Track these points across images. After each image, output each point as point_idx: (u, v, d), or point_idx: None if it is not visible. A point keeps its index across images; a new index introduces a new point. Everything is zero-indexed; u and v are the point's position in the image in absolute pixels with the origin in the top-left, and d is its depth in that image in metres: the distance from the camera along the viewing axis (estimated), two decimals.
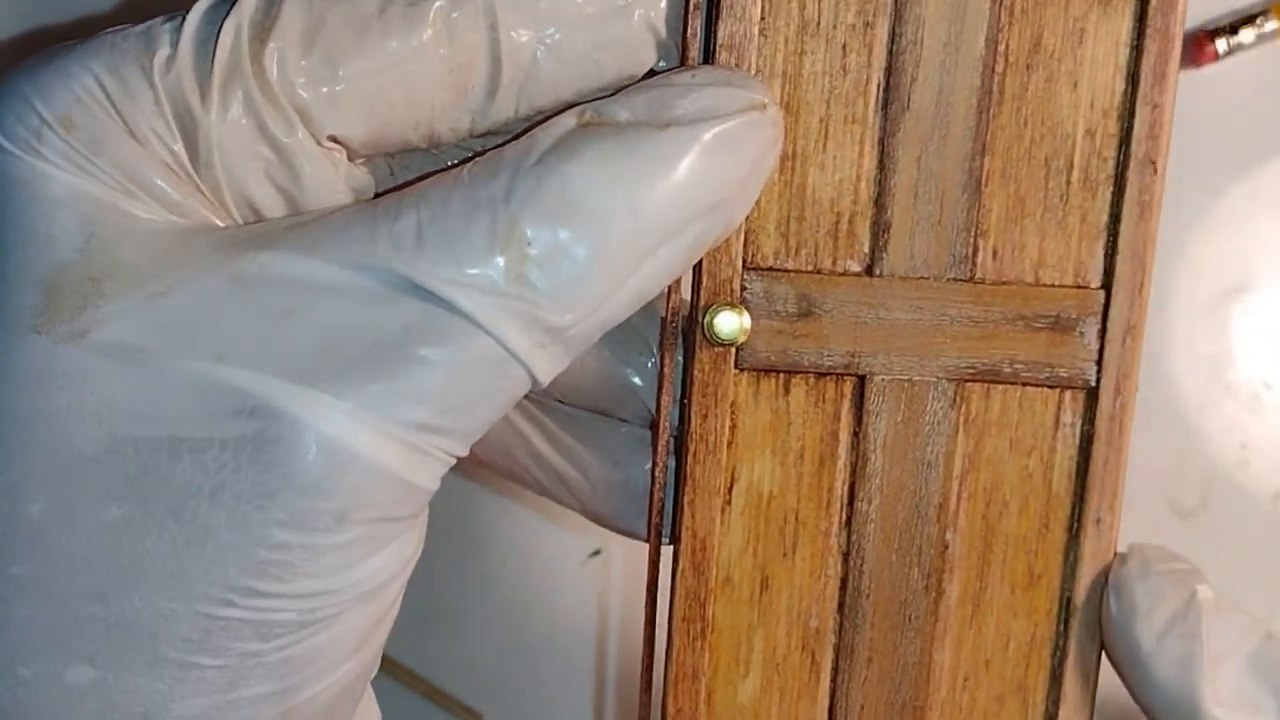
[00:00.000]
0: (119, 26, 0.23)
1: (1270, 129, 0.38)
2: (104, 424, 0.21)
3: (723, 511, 0.25)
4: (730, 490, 0.25)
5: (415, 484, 0.22)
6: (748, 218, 0.24)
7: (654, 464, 0.26)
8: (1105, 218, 0.24)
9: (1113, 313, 0.25)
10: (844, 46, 0.24)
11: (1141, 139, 0.24)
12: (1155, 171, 0.24)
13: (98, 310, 0.21)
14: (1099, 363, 0.25)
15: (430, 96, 0.22)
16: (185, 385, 0.21)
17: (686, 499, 0.25)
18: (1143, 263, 0.24)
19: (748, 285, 0.24)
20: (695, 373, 0.25)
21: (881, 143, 0.24)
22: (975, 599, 0.26)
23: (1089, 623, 0.26)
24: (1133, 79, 0.24)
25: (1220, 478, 0.39)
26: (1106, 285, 0.25)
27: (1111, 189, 0.24)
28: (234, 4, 0.22)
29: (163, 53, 0.22)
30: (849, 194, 0.24)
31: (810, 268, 0.25)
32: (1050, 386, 0.25)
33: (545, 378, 0.22)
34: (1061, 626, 0.26)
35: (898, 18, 0.24)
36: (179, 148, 0.22)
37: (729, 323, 0.24)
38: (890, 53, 0.24)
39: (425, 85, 0.22)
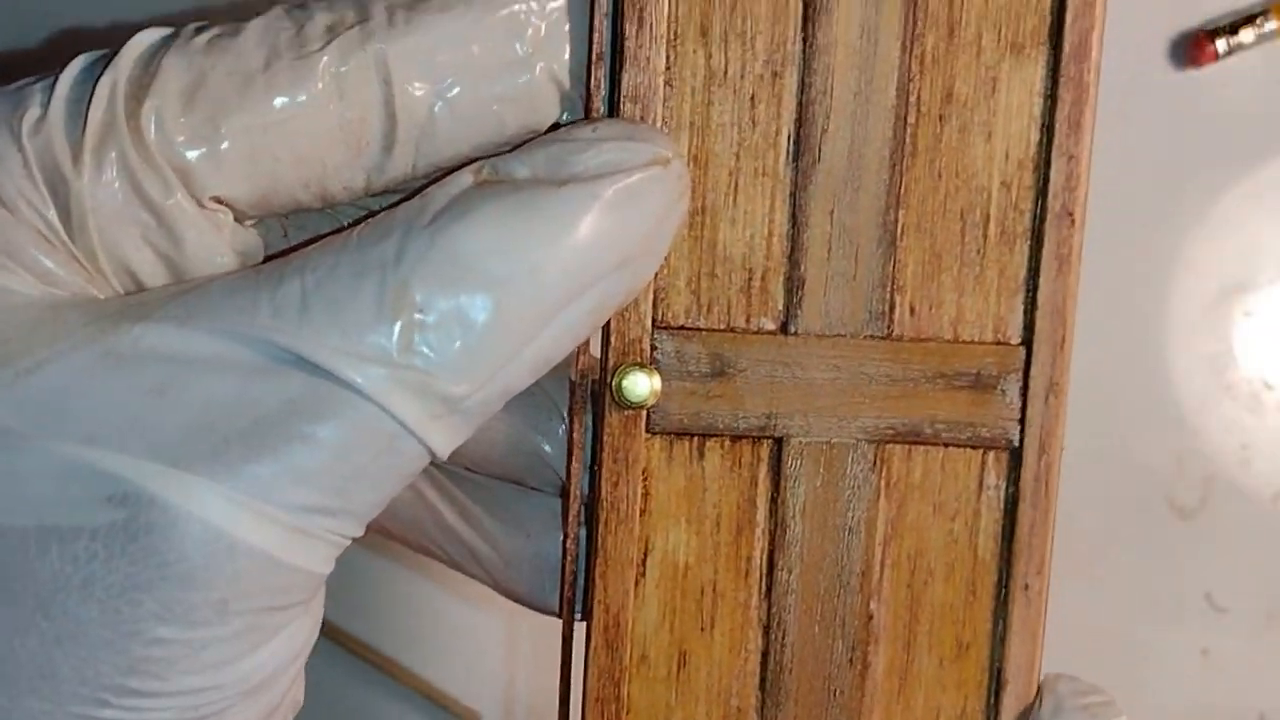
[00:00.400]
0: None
1: (1270, 129, 0.38)
2: None
3: (637, 584, 0.24)
4: (644, 561, 0.24)
5: (303, 569, 0.20)
6: (657, 275, 0.23)
7: (565, 535, 0.24)
8: (1024, 272, 0.24)
9: (1034, 370, 0.24)
10: (752, 97, 0.23)
11: (1058, 191, 0.23)
12: (1073, 223, 0.23)
13: None
14: (1022, 422, 0.24)
15: (321, 154, 0.21)
16: (53, 470, 0.20)
17: (598, 571, 0.24)
18: (1063, 318, 0.24)
19: (658, 345, 0.23)
20: (605, 437, 0.23)
21: (793, 196, 0.23)
22: (902, 672, 0.25)
23: (1021, 696, 0.25)
24: (1047, 129, 0.23)
25: (1220, 478, 0.39)
26: (1027, 341, 0.24)
27: (1029, 242, 0.24)
28: (110, 63, 0.21)
29: (32, 113, 0.21)
30: (761, 249, 0.23)
31: (723, 326, 0.24)
32: (973, 447, 0.24)
33: (443, 451, 0.21)
34: (992, 699, 0.25)
35: (806, 68, 0.23)
36: (51, 214, 0.21)
37: (639, 385, 0.23)
38: (800, 104, 0.23)
39: (315, 142, 0.21)
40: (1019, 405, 0.24)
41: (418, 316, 0.20)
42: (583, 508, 0.24)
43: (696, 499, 0.24)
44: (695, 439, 0.24)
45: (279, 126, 0.21)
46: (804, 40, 0.23)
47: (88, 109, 0.20)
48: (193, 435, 0.19)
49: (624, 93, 0.22)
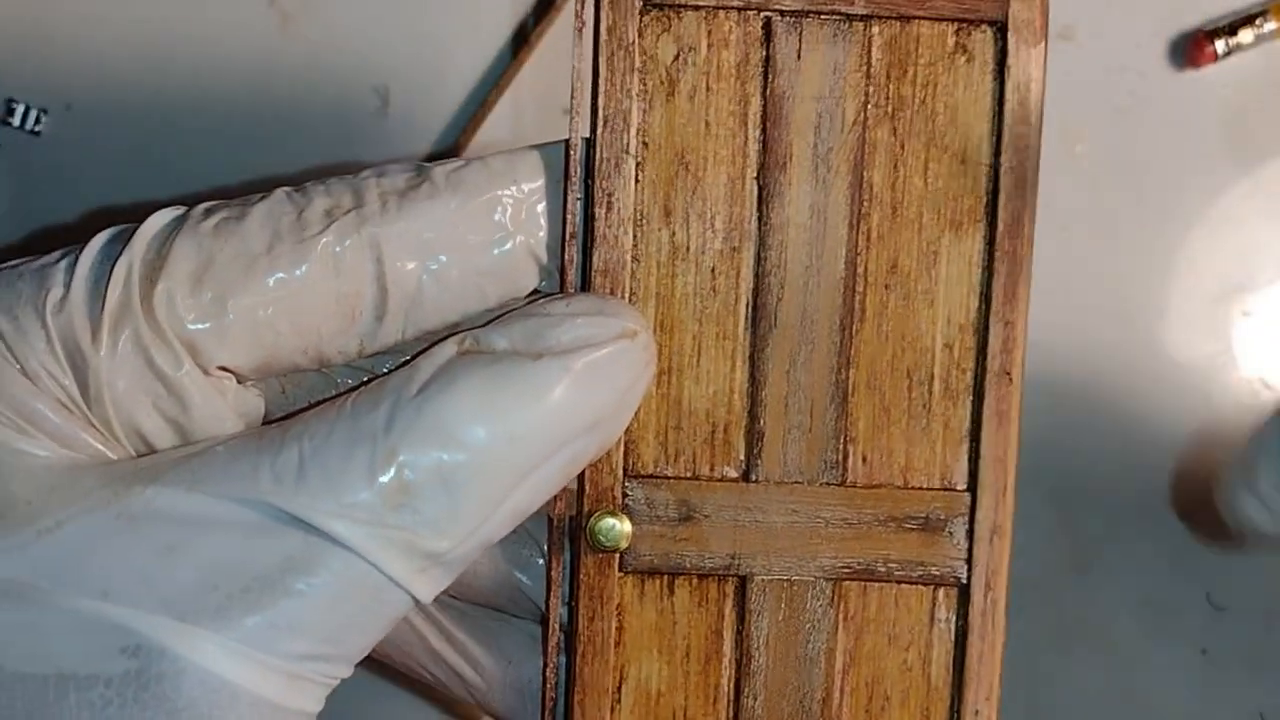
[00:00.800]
0: (16, 261, 0.24)
1: (1270, 129, 0.38)
2: None
3: (612, 710, 0.26)
4: (619, 689, 0.26)
5: (297, 710, 0.22)
6: (628, 429, 0.25)
7: (545, 664, 0.27)
8: (967, 424, 0.26)
9: (979, 515, 0.26)
10: (713, 270, 0.25)
11: (996, 353, 0.25)
12: (1011, 382, 0.25)
13: None
14: (969, 561, 0.26)
15: (318, 325, 0.24)
16: (71, 623, 0.21)
17: (576, 699, 0.26)
18: (1005, 466, 0.26)
19: (629, 492, 0.26)
20: (581, 577, 0.26)
21: (752, 358, 0.25)
22: None
23: None
24: (985, 297, 0.25)
25: (1220, 478, 0.39)
26: (972, 488, 0.26)
27: (971, 398, 0.26)
28: (127, 242, 0.23)
29: (56, 293, 0.23)
30: (723, 405, 0.26)
31: (689, 474, 0.26)
32: (924, 584, 0.26)
33: (427, 599, 0.23)
34: None
35: (762, 244, 0.25)
36: (70, 385, 0.23)
37: (611, 529, 0.25)
38: (756, 275, 0.25)
39: (312, 315, 0.24)
40: (965, 546, 0.26)
41: (405, 478, 0.22)
42: (562, 638, 0.27)
43: (667, 632, 0.26)
44: (665, 577, 0.26)
45: (280, 303, 0.23)
46: (759, 220, 0.25)
47: (105, 290, 0.23)
48: (199, 591, 0.21)
49: (595, 268, 0.25)
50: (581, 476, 0.26)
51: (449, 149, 0.38)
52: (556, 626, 0.26)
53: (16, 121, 0.35)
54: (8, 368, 0.22)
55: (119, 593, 0.21)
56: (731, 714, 0.26)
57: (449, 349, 0.23)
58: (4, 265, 0.24)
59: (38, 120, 0.35)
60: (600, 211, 0.25)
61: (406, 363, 0.24)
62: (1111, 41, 0.38)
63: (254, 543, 0.22)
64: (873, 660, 0.26)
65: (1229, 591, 0.34)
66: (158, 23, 0.36)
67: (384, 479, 0.22)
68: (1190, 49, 0.37)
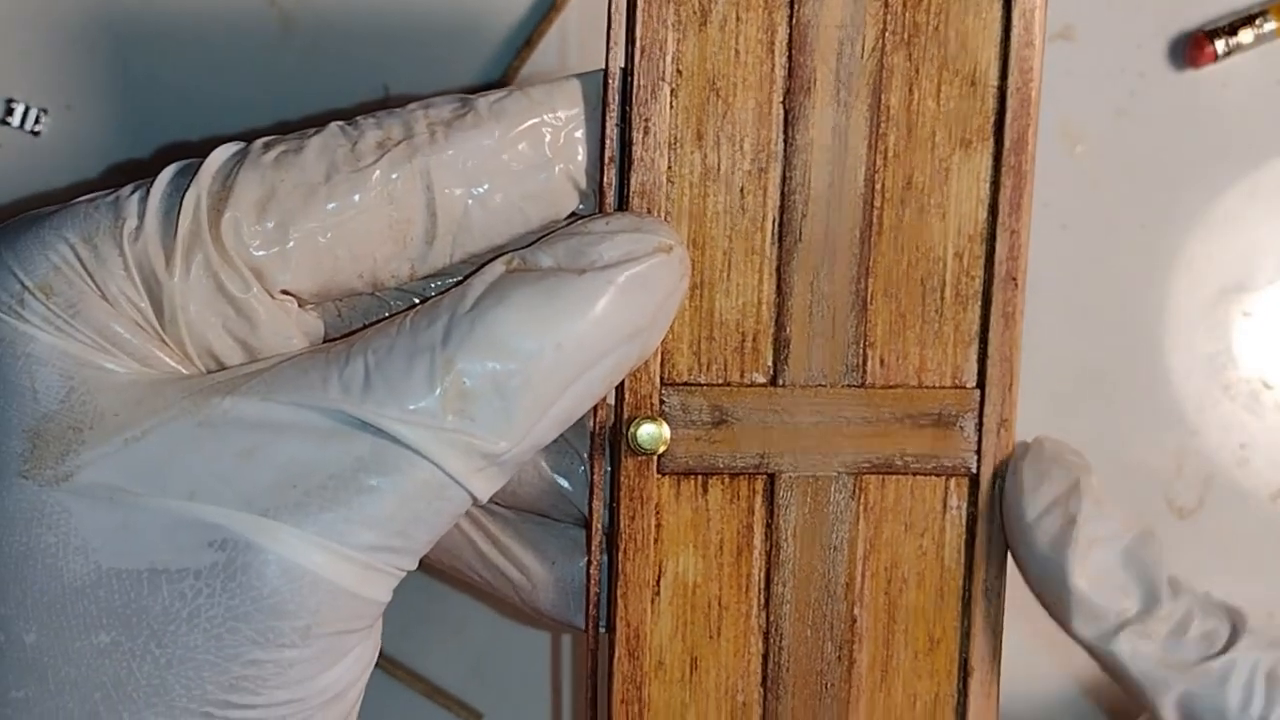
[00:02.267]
0: (92, 195, 0.25)
1: (1269, 129, 0.38)
2: (90, 559, 0.23)
3: (653, 602, 0.28)
4: (659, 582, 0.28)
5: (370, 598, 0.24)
6: (664, 340, 0.27)
7: (589, 562, 0.29)
8: (976, 327, 0.28)
9: (987, 409, 0.28)
10: (741, 190, 0.27)
11: (1003, 260, 0.27)
12: (1016, 286, 0.28)
13: (79, 456, 0.23)
14: (978, 452, 0.28)
15: (373, 250, 0.25)
16: (161, 521, 0.23)
17: (620, 593, 0.28)
18: (1010, 365, 0.28)
19: (665, 399, 0.27)
20: (622, 479, 0.28)
21: (778, 271, 0.27)
22: (883, 665, 0.29)
23: (985, 681, 0.29)
24: (993, 209, 0.27)
25: (1219, 477, 0.39)
26: (980, 385, 0.28)
27: (980, 302, 0.28)
28: (194, 175, 0.25)
29: (131, 223, 0.24)
30: (752, 316, 0.28)
31: (721, 381, 0.28)
32: (937, 475, 0.28)
33: (484, 496, 0.25)
34: (960, 684, 0.29)
35: (787, 164, 0.27)
36: (147, 308, 0.24)
37: (650, 434, 0.27)
38: (782, 194, 0.27)
39: (368, 241, 0.25)
40: (975, 439, 0.28)
41: (462, 386, 0.23)
42: (604, 538, 0.28)
43: (702, 528, 0.28)
44: (699, 477, 0.28)
45: (338, 229, 0.25)
46: (785, 141, 0.27)
47: (177, 220, 0.24)
48: (278, 490, 0.23)
49: (632, 189, 0.26)
50: (621, 386, 0.27)
51: None
52: (599, 527, 0.28)
53: (16, 121, 0.36)
54: (89, 293, 0.24)
55: (204, 492, 0.23)
56: (763, 600, 0.29)
57: (498, 268, 0.25)
58: (76, 200, 0.25)
59: (38, 120, 0.36)
60: (638, 136, 0.26)
61: (459, 283, 0.25)
62: (1111, 41, 0.37)
63: (327, 445, 0.23)
64: (891, 546, 0.29)
65: (1229, 592, 0.33)
66: (157, 23, 0.36)
67: (443, 387, 0.23)
68: (1190, 49, 0.37)
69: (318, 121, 0.37)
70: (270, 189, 0.24)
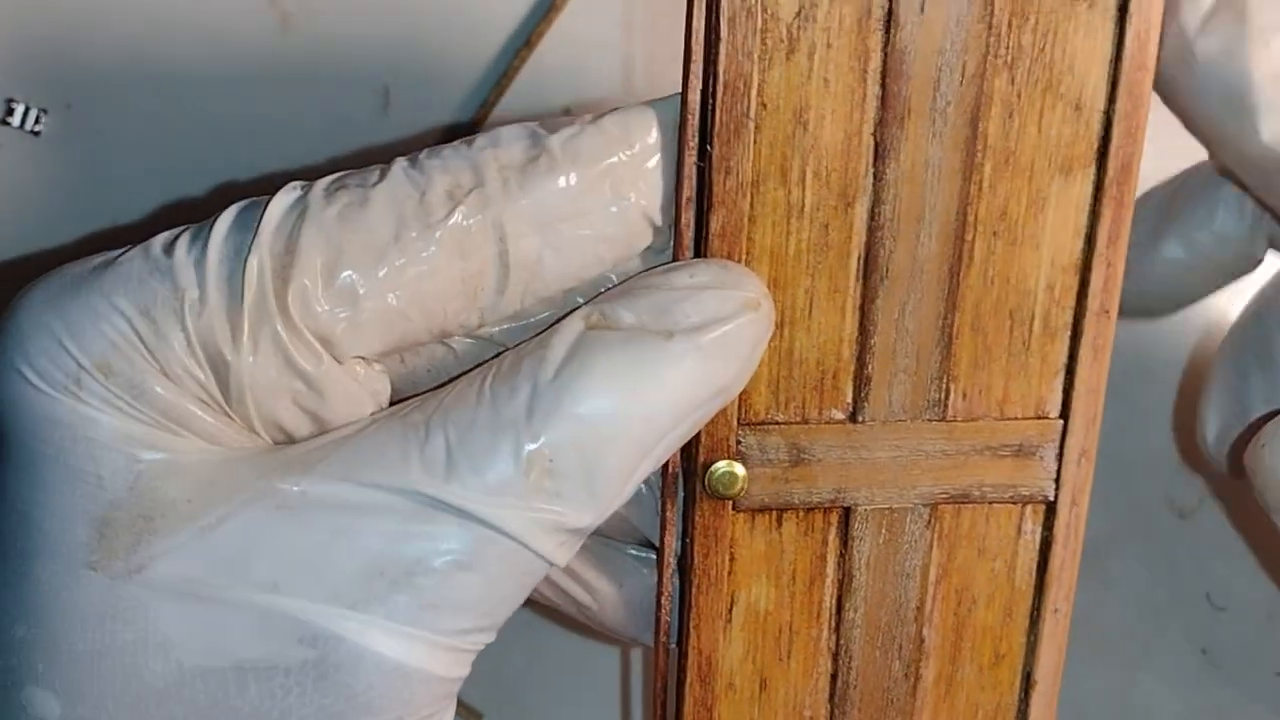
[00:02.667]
0: (139, 248, 0.23)
1: None
2: (170, 657, 0.22)
3: (725, 629, 0.28)
4: (730, 610, 0.28)
5: (456, 677, 0.24)
6: None
7: (660, 591, 0.28)
8: (1064, 358, 0.27)
9: (1070, 440, 0.27)
10: (826, 226, 0.25)
11: (1097, 292, 0.26)
12: (1109, 319, 0.26)
13: (152, 546, 0.22)
14: (1057, 481, 0.28)
15: (443, 305, 0.24)
16: (245, 616, 0.22)
17: (692, 623, 0.28)
18: (1096, 396, 0.27)
19: (742, 440, 0.26)
20: (697, 519, 0.27)
21: (861, 308, 0.26)
22: (948, 680, 0.29)
23: (1046, 693, 0.29)
24: (1090, 240, 0.26)
25: (1219, 477, 0.39)
26: (1064, 416, 0.27)
27: (1069, 334, 0.27)
28: (254, 234, 0.23)
29: (191, 293, 0.22)
30: (833, 354, 0.26)
31: (799, 419, 0.27)
32: (1013, 503, 0.28)
33: (564, 564, 0.24)
34: (1023, 695, 0.29)
35: (876, 199, 0.25)
36: (211, 383, 0.23)
37: (728, 478, 0.26)
38: (869, 228, 0.25)
39: (439, 298, 0.24)
40: (1055, 468, 0.27)
41: (548, 465, 0.22)
42: (675, 570, 0.28)
43: (775, 559, 0.28)
44: (774, 513, 0.27)
45: (409, 289, 0.23)
46: (874, 175, 0.25)
47: (241, 290, 0.22)
48: (365, 579, 0.22)
49: (713, 231, 0.25)
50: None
51: None
52: (671, 560, 0.28)
53: (16, 121, 0.35)
54: (151, 371, 0.22)
55: (288, 584, 0.22)
56: (833, 625, 0.28)
57: (577, 324, 0.23)
58: (118, 254, 0.23)
59: (38, 120, 0.35)
60: (719, 177, 0.24)
61: (537, 335, 0.24)
62: None
63: (411, 530, 0.22)
64: (963, 571, 0.28)
65: (1229, 592, 0.34)
66: (158, 22, 0.35)
67: (529, 466, 0.22)
68: None
69: (317, 120, 0.37)
70: (337, 250, 0.23)
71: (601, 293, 0.25)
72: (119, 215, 0.37)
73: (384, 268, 0.23)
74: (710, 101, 0.24)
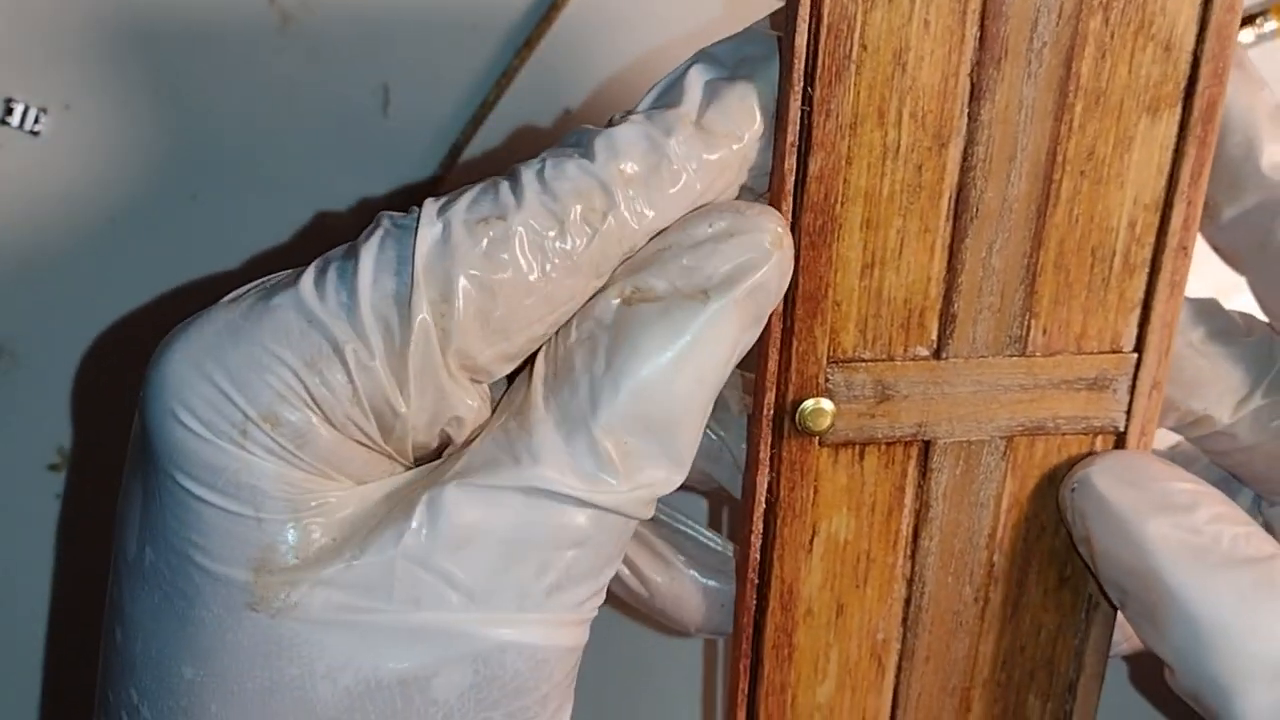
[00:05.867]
0: (285, 298, 0.23)
1: None
2: (338, 684, 0.23)
3: (806, 559, 0.29)
4: (812, 541, 0.29)
5: (583, 643, 0.25)
6: (830, 318, 0.26)
7: (749, 530, 0.29)
8: (1140, 294, 0.27)
9: (1142, 372, 0.28)
10: (919, 167, 0.26)
11: (1176, 230, 0.27)
12: (1187, 256, 0.27)
13: (305, 582, 0.23)
14: (1128, 412, 0.28)
15: (570, 312, 0.25)
16: (397, 634, 0.23)
17: (776, 554, 0.29)
18: (1169, 330, 0.28)
19: (830, 378, 0.27)
20: (784, 454, 0.27)
21: (950, 247, 0.26)
22: (1014, 602, 0.30)
23: (1108, 613, 0.30)
24: (1172, 178, 0.26)
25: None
26: (1139, 349, 0.28)
27: (1147, 270, 0.27)
28: (409, 284, 0.23)
29: (353, 347, 0.23)
30: (920, 292, 0.27)
31: (885, 356, 0.27)
32: (1085, 434, 0.29)
33: (651, 515, 0.25)
34: (1084, 616, 0.31)
35: (969, 139, 0.25)
36: (373, 429, 0.23)
37: (817, 415, 0.27)
38: (962, 169, 0.26)
39: (570, 311, 0.24)
40: (1127, 400, 0.28)
41: (626, 448, 0.24)
42: (765, 508, 0.29)
43: (856, 492, 0.29)
44: (857, 447, 0.28)
45: (554, 315, 0.24)
46: (969, 116, 0.25)
47: (407, 348, 0.23)
48: (496, 576, 0.23)
49: (810, 173, 0.25)
50: (788, 365, 0.27)
51: (449, 149, 0.37)
52: (762, 498, 0.28)
53: (16, 121, 0.35)
54: (316, 421, 0.23)
55: (429, 598, 0.23)
56: (909, 553, 0.29)
57: (612, 300, 0.24)
58: (266, 295, 0.23)
59: (37, 120, 0.35)
60: (820, 119, 0.24)
61: (577, 315, 0.24)
62: None
63: (532, 522, 0.23)
64: (1034, 499, 0.29)
65: None
66: (158, 22, 0.35)
67: (611, 454, 0.24)
68: None
69: (317, 120, 0.36)
70: (491, 294, 0.23)
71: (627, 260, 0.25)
72: (118, 215, 0.37)
73: (533, 304, 0.23)
74: (813, 44, 0.24)
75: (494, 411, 0.25)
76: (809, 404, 0.27)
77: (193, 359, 0.22)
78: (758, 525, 0.28)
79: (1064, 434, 0.29)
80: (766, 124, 0.25)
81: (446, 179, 0.38)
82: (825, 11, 0.24)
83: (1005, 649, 0.31)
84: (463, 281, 0.23)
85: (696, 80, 0.24)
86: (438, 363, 0.23)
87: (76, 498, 0.40)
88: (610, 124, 0.25)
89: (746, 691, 0.30)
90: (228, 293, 0.24)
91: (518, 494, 0.23)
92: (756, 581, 0.29)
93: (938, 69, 0.25)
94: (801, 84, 0.24)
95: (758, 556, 0.29)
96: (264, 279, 0.24)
